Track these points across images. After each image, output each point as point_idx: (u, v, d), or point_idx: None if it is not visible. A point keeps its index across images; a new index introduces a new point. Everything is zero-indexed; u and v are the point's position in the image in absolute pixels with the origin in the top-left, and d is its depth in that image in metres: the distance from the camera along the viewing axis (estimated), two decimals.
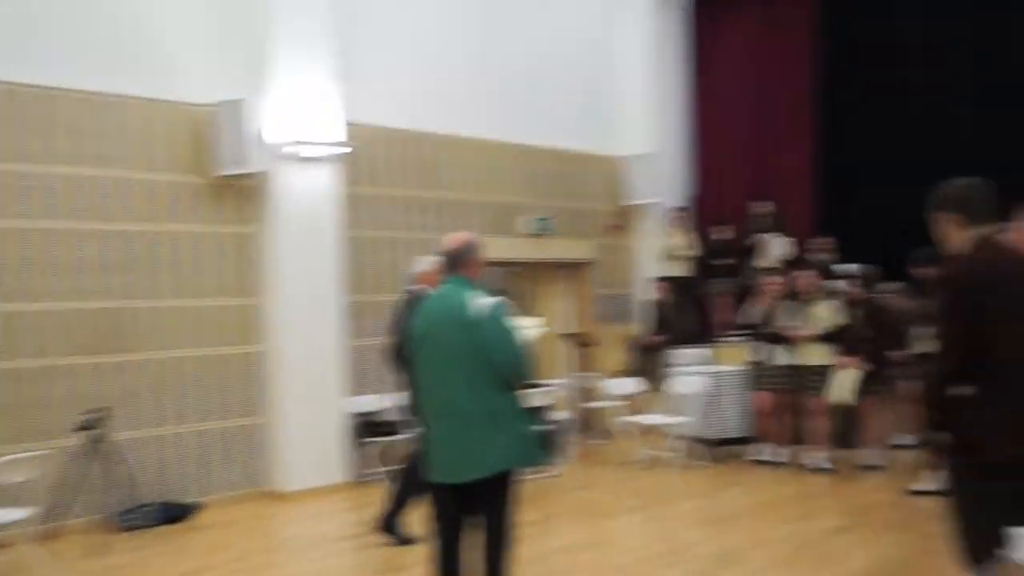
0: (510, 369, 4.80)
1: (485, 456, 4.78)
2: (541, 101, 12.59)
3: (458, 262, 5.00)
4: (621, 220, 13.71)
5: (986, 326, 3.95)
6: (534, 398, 5.05)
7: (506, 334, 4.81)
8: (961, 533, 4.11)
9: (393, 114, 10.87)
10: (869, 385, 9.22)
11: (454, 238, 5.07)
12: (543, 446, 5.03)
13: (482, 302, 4.80)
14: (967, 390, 4.00)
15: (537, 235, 12.24)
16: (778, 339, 9.75)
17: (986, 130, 12.41)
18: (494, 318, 4.79)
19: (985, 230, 4.21)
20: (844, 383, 9.18)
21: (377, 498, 7.54)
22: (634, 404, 11.33)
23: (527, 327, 5.28)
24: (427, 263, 7.38)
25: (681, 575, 6.06)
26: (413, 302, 7.26)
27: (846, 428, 10.31)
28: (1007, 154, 11.99)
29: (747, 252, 13.09)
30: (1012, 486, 3.98)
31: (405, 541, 7.10)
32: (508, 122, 12.13)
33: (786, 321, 9.72)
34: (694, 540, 7.19)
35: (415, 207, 11.09)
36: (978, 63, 12.58)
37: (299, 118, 9.46)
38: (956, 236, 4.25)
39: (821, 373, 9.44)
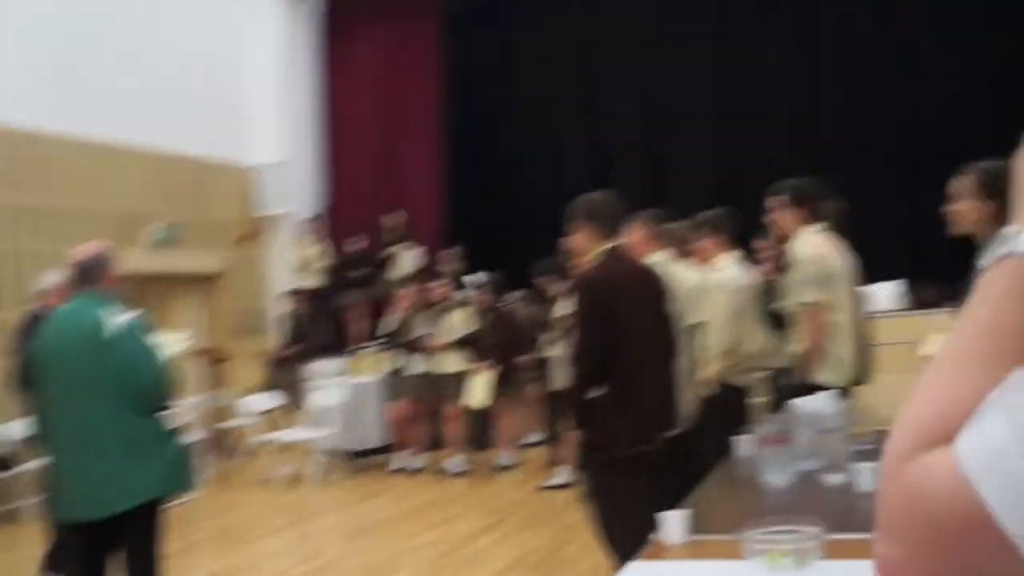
0: (151, 390, 4.44)
1: (126, 487, 4.36)
2: (169, 106, 11.91)
3: (89, 276, 4.52)
4: (253, 230, 13.34)
5: (614, 333, 4.20)
6: (172, 420, 4.74)
7: (145, 352, 4.44)
8: (605, 526, 4.34)
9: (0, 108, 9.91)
10: (500, 388, 9.50)
11: (84, 249, 4.60)
12: (187, 471, 4.73)
13: (117, 319, 4.40)
14: (599, 392, 4.24)
15: (163, 245, 11.58)
16: (414, 348, 9.85)
17: (594, 143, 13.37)
18: (131, 335, 4.41)
19: (614, 241, 4.47)
20: (478, 387, 9.43)
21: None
22: (272, 420, 11.06)
23: (168, 344, 4.98)
24: (52, 278, 6.78)
25: None
26: (37, 321, 6.67)
27: (480, 431, 10.63)
28: (609, 165, 12.99)
29: (381, 263, 13.17)
30: (643, 480, 4.26)
31: None
32: (133, 126, 11.33)
33: (421, 330, 9.85)
34: (341, 554, 7.05)
35: (20, 214, 10.12)
36: (581, 76, 13.50)
37: None
38: (591, 247, 4.47)
39: (456, 379, 9.63)
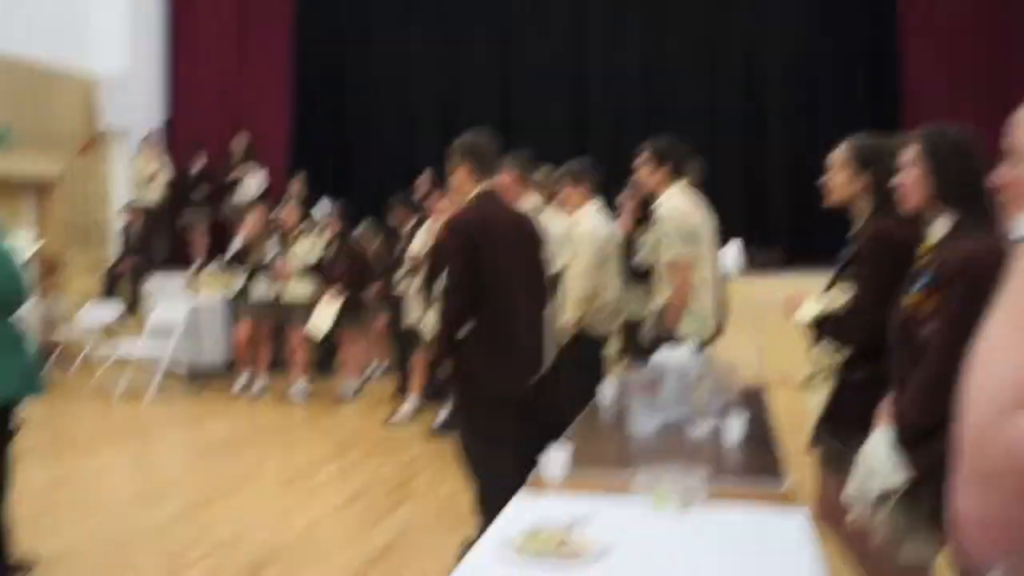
0: (8, 293, 4.35)
1: None
2: (10, 7, 11.33)
3: None
4: (93, 140, 12.81)
5: (485, 274, 4.29)
6: (23, 323, 4.61)
7: (2, 254, 4.33)
8: (472, 462, 4.45)
9: None
10: (345, 318, 9.48)
11: None
12: (39, 375, 4.62)
13: None
14: (468, 329, 4.33)
15: None
16: (260, 271, 9.73)
17: (446, 74, 13.39)
18: None
19: (488, 183, 4.54)
20: (322, 315, 9.39)
21: None
22: (109, 333, 10.77)
23: (19, 246, 4.82)
24: None
25: (171, 511, 5.78)
26: None
27: (324, 358, 10.63)
28: (460, 100, 13.05)
29: (225, 185, 12.86)
30: (510, 420, 4.39)
31: None
32: None
33: (268, 254, 9.72)
34: (181, 474, 6.97)
35: None
36: (441, 22, 13.46)
37: None
38: (466, 185, 4.53)
39: (302, 305, 9.56)
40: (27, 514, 4.55)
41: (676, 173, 5.45)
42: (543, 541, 2.38)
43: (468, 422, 4.46)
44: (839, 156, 3.66)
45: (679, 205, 5.33)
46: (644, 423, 3.78)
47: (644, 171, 5.50)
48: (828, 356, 3.57)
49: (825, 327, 3.54)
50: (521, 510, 2.75)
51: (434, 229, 7.61)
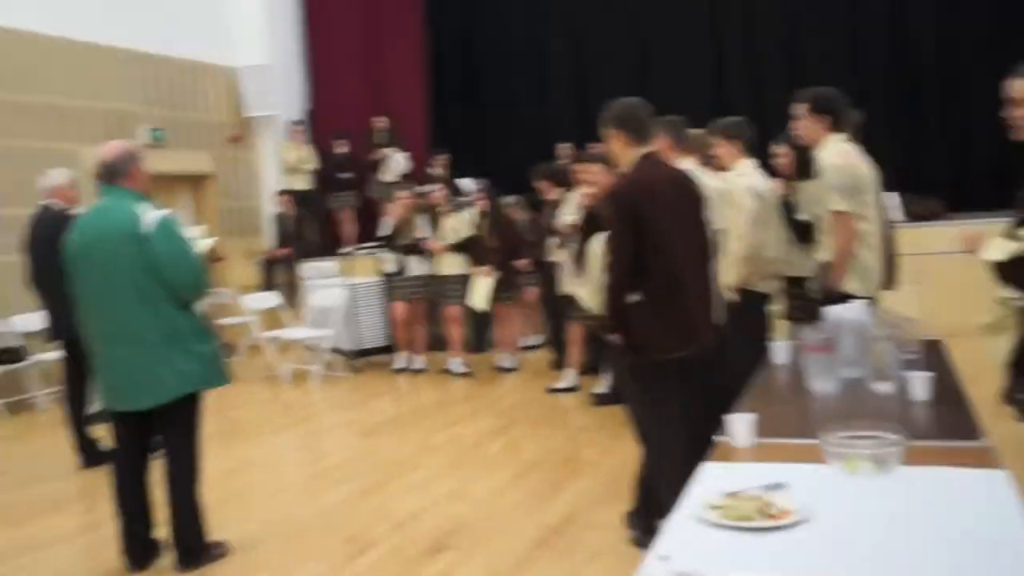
0: (187, 285, 4.54)
1: (164, 380, 4.50)
2: (152, 5, 11.76)
3: (117, 173, 4.60)
4: (239, 132, 13.25)
5: (650, 237, 4.26)
6: (206, 315, 4.82)
7: (181, 247, 4.52)
8: (646, 428, 4.46)
9: None
10: (499, 292, 9.57)
11: (111, 147, 4.65)
12: (223, 364, 4.82)
13: (152, 214, 4.47)
14: (635, 297, 4.32)
15: (151, 145, 11.49)
16: (412, 250, 9.89)
17: (580, 51, 13.27)
18: (167, 230, 4.49)
19: (647, 148, 4.50)
20: (478, 290, 9.52)
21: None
22: (270, 319, 11.15)
23: (198, 239, 5.02)
24: (59, 176, 6.84)
25: (346, 493, 5.96)
26: (49, 218, 6.71)
27: (480, 333, 10.80)
28: (596, 74, 12.94)
29: (369, 166, 13.12)
30: (683, 384, 4.37)
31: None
32: (115, 25, 11.20)
33: (420, 233, 9.89)
34: (352, 456, 7.14)
35: (15, 112, 10.04)
36: None
37: None
38: (623, 153, 4.50)
39: (455, 282, 9.70)
40: (207, 501, 4.76)
41: (836, 125, 5.32)
42: (744, 506, 2.37)
43: (639, 389, 4.46)
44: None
45: (841, 156, 5.19)
46: (824, 384, 3.71)
47: (803, 123, 5.37)
48: (1014, 300, 3.44)
49: (1014, 270, 3.40)
50: (711, 477, 2.74)
51: (583, 199, 7.60)
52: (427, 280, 9.89)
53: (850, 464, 2.69)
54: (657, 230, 4.27)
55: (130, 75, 11.50)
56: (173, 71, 12.14)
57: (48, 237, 6.47)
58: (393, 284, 10.09)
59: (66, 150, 10.42)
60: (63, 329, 6.60)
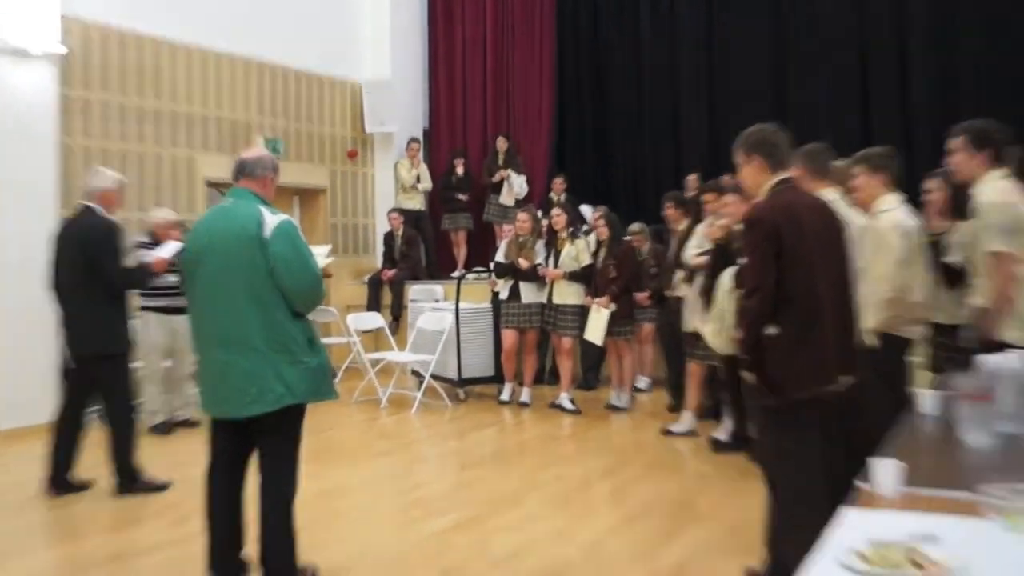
0: (304, 293, 4.53)
1: (271, 388, 4.47)
2: (277, 17, 12.07)
3: (249, 173, 4.69)
4: (356, 147, 13.47)
5: (789, 265, 4.14)
6: (316, 328, 4.83)
7: (302, 254, 4.54)
8: (778, 473, 4.30)
9: (116, 12, 10.12)
10: (615, 326, 9.44)
11: (253, 149, 4.83)
12: (329, 380, 4.74)
13: (275, 218, 4.51)
14: (773, 330, 4.18)
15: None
16: (527, 277, 9.86)
17: (714, 79, 13.09)
18: (288, 235, 4.52)
19: (786, 174, 4.40)
20: (594, 323, 9.43)
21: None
22: (374, 340, 11.24)
23: (317, 254, 5.03)
24: (106, 178, 6.76)
25: (444, 525, 5.90)
26: (87, 223, 6.62)
27: (592, 367, 10.71)
28: (731, 103, 12.73)
29: (487, 188, 13.19)
30: (818, 426, 4.22)
31: (146, 487, 6.72)
32: (241, 35, 11.53)
33: (536, 259, 9.85)
34: (451, 487, 7.09)
35: (134, 116, 10.37)
36: (701, 8, 13.17)
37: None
38: (757, 180, 4.41)
39: (569, 312, 9.62)
40: (300, 524, 4.72)
41: (995, 160, 5.12)
42: (893, 555, 2.23)
43: (773, 430, 4.32)
44: None
45: (1000, 193, 4.99)
46: (979, 435, 3.53)
47: (959, 157, 5.19)
48: None
49: None
50: (853, 523, 2.60)
51: (713, 230, 7.50)
52: (541, 309, 9.83)
53: (1012, 518, 2.53)
54: (798, 257, 4.16)
55: (252, 85, 11.80)
56: (295, 83, 12.42)
57: (82, 241, 6.50)
58: (504, 311, 10.04)
59: (185, 156, 10.74)
60: (80, 343, 6.57)
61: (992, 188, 5.00)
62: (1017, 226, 4.91)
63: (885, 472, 2.94)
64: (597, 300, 9.41)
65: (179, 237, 8.09)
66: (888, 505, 2.84)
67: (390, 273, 12.32)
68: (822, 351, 4.20)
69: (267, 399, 4.49)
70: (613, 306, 9.36)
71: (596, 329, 9.36)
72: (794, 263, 4.15)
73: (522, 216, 10.11)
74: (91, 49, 9.92)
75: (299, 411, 4.67)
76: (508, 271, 9.92)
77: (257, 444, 4.70)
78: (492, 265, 10.41)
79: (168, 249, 7.51)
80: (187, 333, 7.84)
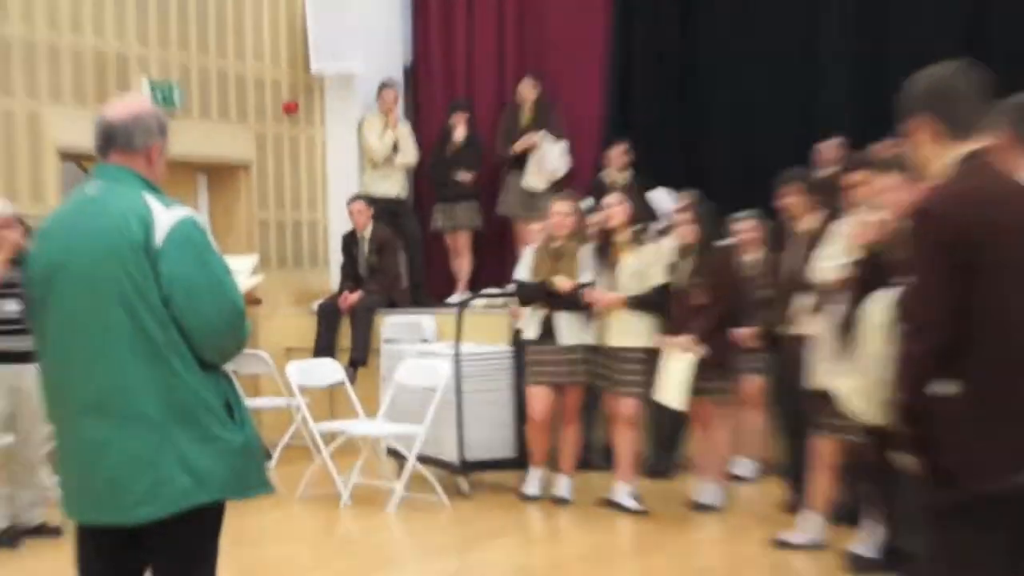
0: (215, 335, 4.52)
1: (170, 479, 4.43)
2: None
3: (124, 144, 4.60)
4: (297, 98, 13.62)
5: (980, 291, 4.25)
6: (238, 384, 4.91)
7: (212, 273, 4.52)
8: None
9: None
10: (704, 380, 9.50)
11: (121, 106, 4.71)
12: (261, 463, 4.87)
13: (169, 215, 4.47)
14: (951, 388, 4.31)
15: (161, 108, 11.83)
16: (565, 305, 9.98)
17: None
18: (191, 244, 4.50)
19: (977, 145, 4.48)
20: (673, 376, 9.51)
21: None
22: (326, 402, 11.36)
23: (237, 270, 5.05)
24: None
25: None
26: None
27: (668, 445, 10.85)
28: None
29: (501, 164, 13.37)
30: (1005, 532, 4.39)
31: None
32: None
33: (580, 277, 10.06)
34: None
35: None
36: None
37: None
38: (933, 153, 4.48)
39: (634, 360, 9.75)
40: None
41: None
42: None
43: (941, 539, 4.48)
44: None
45: None
46: None
47: None
48: None
49: None
50: None
51: (861, 230, 7.58)
52: (588, 355, 10.00)
53: None
54: (995, 279, 4.22)
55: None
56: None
57: None
58: (532, 359, 10.19)
59: (25, 112, 10.88)
60: None
61: None
62: None
63: None
64: (676, 340, 9.57)
65: (19, 242, 8.33)
66: None
67: (352, 297, 12.46)
68: (1017, 428, 4.32)
69: (164, 497, 4.46)
70: (701, 350, 9.47)
71: (674, 385, 9.46)
72: (989, 286, 4.17)
73: (560, 208, 10.25)
74: None
75: (214, 514, 4.71)
76: (538, 295, 10.08)
77: (151, 566, 4.76)
78: (513, 286, 10.54)
79: None
80: (37, 393, 7.86)
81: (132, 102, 4.83)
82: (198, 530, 4.64)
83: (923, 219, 4.31)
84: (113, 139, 4.59)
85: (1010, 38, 12.24)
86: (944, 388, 4.23)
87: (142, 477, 4.42)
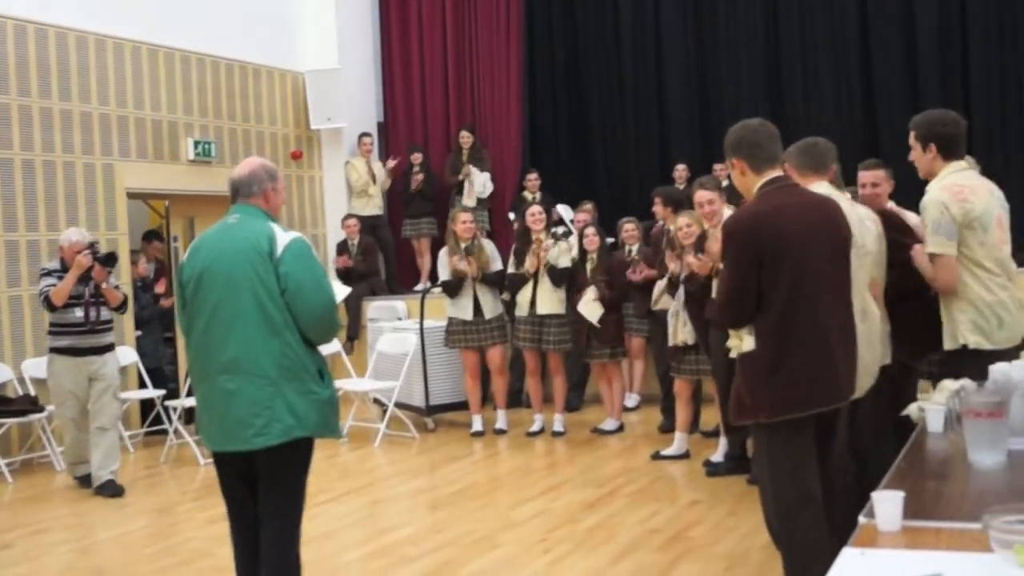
0: (318, 320, 4.67)
1: (278, 419, 4.59)
2: (206, 2, 12.13)
3: (246, 194, 4.81)
4: (301, 147, 13.52)
5: (764, 283, 4.31)
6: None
7: (316, 277, 4.70)
8: (773, 507, 4.46)
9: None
10: (604, 348, 9.57)
11: (244, 164, 4.93)
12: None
13: (285, 235, 4.70)
14: (749, 345, 4.38)
15: (200, 161, 11.81)
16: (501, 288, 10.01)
17: (692, 59, 13.26)
18: (302, 256, 4.69)
19: (772, 174, 4.53)
20: (587, 305, 9.40)
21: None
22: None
23: (337, 291, 5.16)
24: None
25: (428, 568, 6.02)
26: None
27: (577, 387, 10.83)
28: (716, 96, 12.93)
29: (451, 187, 13.25)
30: (805, 445, 4.39)
31: None
32: (162, 21, 11.47)
33: (493, 264, 10.01)
34: (423, 528, 7.17)
35: (39, 120, 10.20)
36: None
37: None
38: (747, 183, 4.57)
39: (551, 324, 9.67)
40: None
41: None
42: None
43: (764, 454, 4.48)
44: None
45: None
46: (988, 456, 3.64)
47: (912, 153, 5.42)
48: None
49: None
50: (852, 564, 2.71)
51: (696, 262, 7.65)
52: (526, 322, 9.85)
53: (1020, 553, 2.63)
54: (785, 267, 4.30)
55: (177, 79, 11.79)
56: (228, 75, 12.44)
57: None
58: (476, 327, 10.05)
59: (102, 165, 10.70)
60: None
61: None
62: (965, 223, 5.10)
63: (886, 505, 3.03)
64: (585, 292, 9.48)
65: (87, 261, 8.17)
66: (890, 542, 2.94)
67: (345, 288, 12.37)
68: (811, 365, 4.34)
69: (275, 431, 4.61)
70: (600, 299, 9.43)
71: (588, 311, 9.40)
72: (771, 275, 4.32)
73: (464, 217, 10.21)
74: None
75: (307, 447, 4.81)
76: (520, 283, 9.88)
77: (260, 482, 4.81)
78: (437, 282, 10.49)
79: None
80: (110, 375, 8.34)
81: (248, 162, 4.97)
82: (295, 457, 4.78)
83: (730, 232, 4.53)
84: (238, 191, 4.84)
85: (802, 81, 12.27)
86: (746, 348, 4.48)
87: (259, 417, 4.61)
